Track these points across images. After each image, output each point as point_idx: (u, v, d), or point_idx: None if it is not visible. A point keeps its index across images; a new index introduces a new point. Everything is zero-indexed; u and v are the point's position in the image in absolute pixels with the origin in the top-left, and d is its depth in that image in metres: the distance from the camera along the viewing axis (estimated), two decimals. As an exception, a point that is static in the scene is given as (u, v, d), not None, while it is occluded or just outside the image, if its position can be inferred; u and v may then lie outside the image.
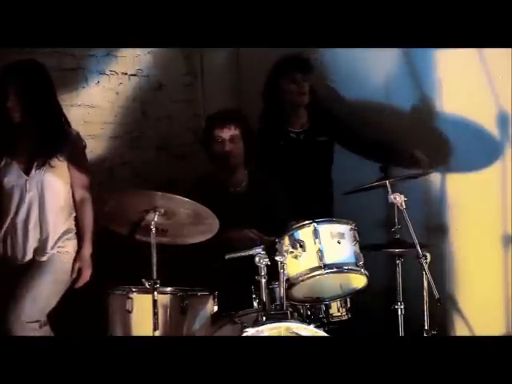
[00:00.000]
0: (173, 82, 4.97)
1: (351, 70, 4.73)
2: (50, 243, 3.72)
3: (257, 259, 3.38)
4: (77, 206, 3.82)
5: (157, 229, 3.42)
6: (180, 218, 3.49)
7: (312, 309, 3.71)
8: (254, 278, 3.42)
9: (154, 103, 4.85)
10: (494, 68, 4.27)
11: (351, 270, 3.56)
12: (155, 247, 3.40)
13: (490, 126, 4.34)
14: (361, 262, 3.56)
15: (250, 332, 3.26)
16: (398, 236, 3.94)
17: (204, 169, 4.31)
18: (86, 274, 3.77)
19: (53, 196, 3.72)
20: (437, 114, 4.51)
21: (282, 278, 3.38)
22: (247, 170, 4.19)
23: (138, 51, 4.75)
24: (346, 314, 3.75)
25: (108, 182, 4.59)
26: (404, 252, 3.89)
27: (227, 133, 4.08)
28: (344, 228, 3.59)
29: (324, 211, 4.25)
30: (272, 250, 3.44)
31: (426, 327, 3.77)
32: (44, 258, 3.70)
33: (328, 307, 3.73)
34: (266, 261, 3.38)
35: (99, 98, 4.58)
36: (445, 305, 4.35)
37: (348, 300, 3.76)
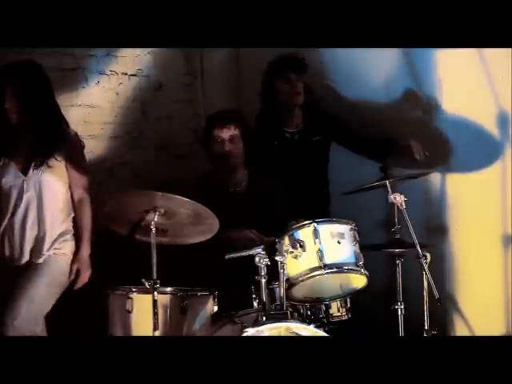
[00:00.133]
0: (173, 82, 4.97)
1: (351, 70, 4.74)
2: (47, 244, 3.70)
3: (257, 259, 3.38)
4: (75, 206, 3.80)
5: (157, 229, 3.42)
6: (180, 217, 3.49)
7: (312, 309, 3.71)
8: (254, 278, 3.42)
9: (154, 103, 4.85)
10: (494, 68, 4.27)
11: (351, 270, 3.56)
12: (155, 247, 3.40)
13: (490, 126, 4.34)
14: (361, 262, 3.56)
15: (250, 332, 3.26)
16: (398, 236, 3.94)
17: (204, 169, 4.31)
18: (85, 276, 3.76)
19: (50, 196, 3.71)
20: (437, 114, 4.51)
21: (282, 278, 3.38)
22: (247, 170, 4.19)
23: (138, 51, 4.75)
24: (346, 314, 3.75)
25: (108, 182, 4.59)
26: (404, 252, 3.89)
27: (227, 133, 4.09)
28: (344, 228, 3.59)
29: (320, 211, 4.23)
30: (272, 250, 3.44)
31: (426, 327, 3.78)
32: (40, 260, 3.68)
33: (328, 307, 3.73)
34: (266, 261, 3.38)
35: (99, 98, 4.58)
36: (445, 305, 4.35)
37: (348, 300, 3.75)
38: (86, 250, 3.77)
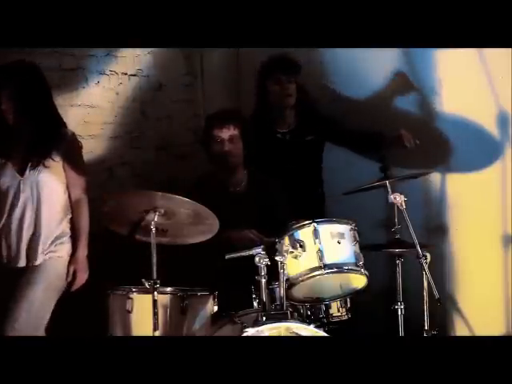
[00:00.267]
0: (173, 82, 4.97)
1: (351, 70, 4.74)
2: (44, 245, 3.67)
3: (257, 259, 3.38)
4: (73, 206, 3.78)
5: (157, 229, 3.41)
6: (180, 217, 3.49)
7: (312, 309, 3.71)
8: (254, 277, 3.42)
9: (154, 103, 4.85)
10: (494, 68, 4.28)
11: (351, 270, 3.56)
12: (155, 247, 3.39)
13: (490, 126, 4.35)
14: (361, 262, 3.56)
15: (250, 332, 3.26)
16: (398, 236, 3.95)
17: (204, 169, 4.31)
18: (82, 277, 3.74)
19: (47, 197, 3.69)
20: (437, 114, 4.52)
21: (282, 278, 3.38)
22: (247, 170, 4.19)
23: (138, 51, 4.75)
24: (346, 314, 3.75)
25: (108, 182, 4.59)
26: (404, 252, 3.89)
27: (226, 133, 4.09)
28: (344, 228, 3.60)
29: (313, 211, 4.22)
30: (272, 250, 3.44)
31: (426, 327, 3.77)
32: (37, 262, 3.65)
33: (328, 307, 3.73)
34: (266, 261, 3.39)
35: (99, 98, 4.58)
36: (445, 305, 4.35)
37: (348, 300, 3.75)
38: (83, 251, 3.75)
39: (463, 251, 4.49)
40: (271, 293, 3.57)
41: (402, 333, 3.85)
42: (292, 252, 3.47)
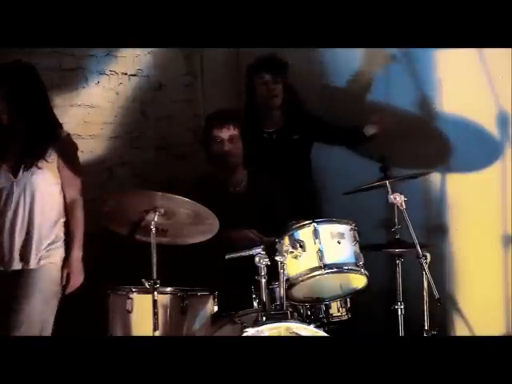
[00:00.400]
0: (173, 82, 4.97)
1: (351, 71, 4.74)
2: (38, 248, 3.62)
3: (257, 259, 3.38)
4: (67, 208, 3.74)
5: (157, 229, 3.41)
6: (180, 217, 3.49)
7: (312, 309, 3.71)
8: (254, 277, 3.42)
9: (154, 103, 4.85)
10: (494, 68, 4.28)
11: (351, 270, 3.56)
12: (155, 247, 3.39)
13: (490, 126, 4.35)
14: (361, 262, 3.56)
15: (250, 332, 3.27)
16: (398, 236, 3.95)
17: (204, 169, 4.31)
18: (77, 280, 3.69)
19: (40, 198, 3.64)
20: (437, 114, 4.52)
21: (282, 278, 3.38)
22: (246, 170, 4.19)
23: (138, 51, 4.74)
24: (346, 314, 3.75)
25: (108, 182, 4.59)
26: (404, 252, 3.90)
27: (226, 133, 4.09)
28: (344, 228, 3.60)
29: (303, 210, 4.22)
30: (272, 250, 3.44)
31: (426, 327, 3.77)
32: (32, 266, 3.60)
33: (328, 307, 3.73)
34: (266, 261, 3.39)
35: (99, 98, 4.58)
36: (445, 305, 4.36)
37: (348, 300, 3.75)
38: (77, 254, 3.71)
39: (463, 251, 4.49)
40: (271, 293, 3.57)
41: (402, 333, 3.85)
42: (292, 252, 3.47)
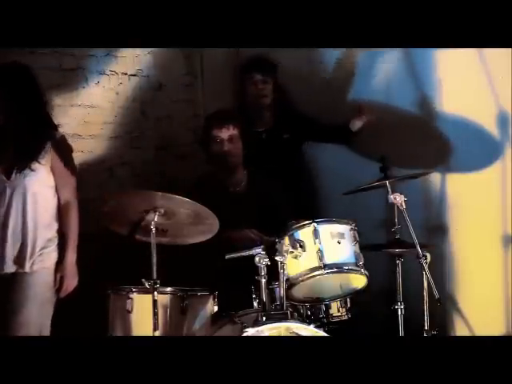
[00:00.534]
0: (173, 82, 4.96)
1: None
2: (31, 251, 3.58)
3: (257, 259, 3.38)
4: (61, 210, 3.69)
5: (157, 229, 3.41)
6: (180, 217, 3.49)
7: (312, 309, 3.71)
8: (254, 278, 3.42)
9: (154, 103, 4.85)
10: (494, 68, 4.28)
11: (351, 270, 3.56)
12: (155, 247, 3.39)
13: (490, 126, 4.35)
14: (361, 262, 3.56)
15: (250, 332, 3.27)
16: (398, 236, 3.95)
17: (204, 169, 4.31)
18: (70, 283, 3.65)
19: (33, 200, 3.60)
20: (437, 114, 4.52)
21: (282, 278, 3.38)
22: (246, 170, 4.19)
23: (138, 51, 4.74)
24: (346, 314, 3.75)
25: (108, 182, 4.58)
26: (404, 252, 3.90)
27: (226, 133, 4.09)
28: (344, 228, 3.60)
29: (300, 209, 4.22)
30: (272, 250, 3.44)
31: (426, 327, 3.78)
32: (26, 269, 3.56)
33: (328, 307, 3.73)
34: (266, 261, 3.39)
35: (99, 98, 4.57)
36: (445, 305, 4.35)
37: (348, 300, 3.75)
38: (71, 257, 3.66)
39: (463, 251, 4.49)
40: (271, 293, 3.57)
41: (402, 333, 3.85)
42: (292, 252, 3.47)
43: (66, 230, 3.67)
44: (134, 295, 3.53)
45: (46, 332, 3.60)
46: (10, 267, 3.58)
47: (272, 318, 3.35)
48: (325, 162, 4.82)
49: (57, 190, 3.68)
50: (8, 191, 3.59)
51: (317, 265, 3.49)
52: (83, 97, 4.49)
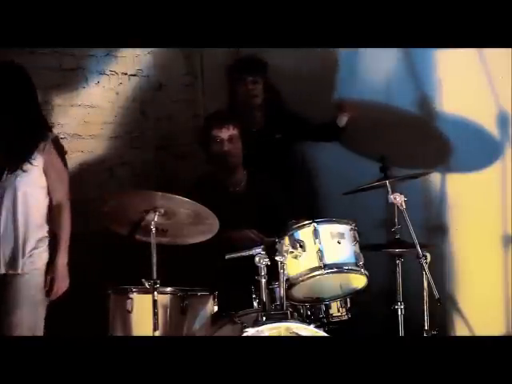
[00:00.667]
0: (173, 82, 4.97)
1: (351, 70, 4.74)
2: (22, 252, 3.55)
3: (257, 259, 3.38)
4: (53, 211, 3.65)
5: (157, 229, 3.41)
6: (180, 217, 3.49)
7: (312, 309, 3.71)
8: (254, 278, 3.42)
9: (154, 103, 4.85)
10: (494, 68, 4.28)
11: (351, 270, 3.56)
12: (155, 247, 3.39)
13: (490, 126, 4.35)
14: (361, 262, 3.56)
15: (250, 332, 3.27)
16: (398, 236, 3.95)
17: (204, 169, 4.31)
18: (61, 286, 3.61)
19: (24, 201, 3.56)
20: (437, 114, 4.52)
21: (282, 278, 3.38)
22: (246, 170, 4.19)
23: (138, 51, 4.75)
24: (346, 314, 3.75)
25: (108, 182, 4.59)
26: (404, 252, 3.89)
27: (226, 133, 4.09)
28: (344, 228, 3.60)
29: (296, 210, 4.22)
30: (272, 250, 3.44)
31: (426, 327, 3.77)
32: (18, 270, 3.54)
33: (328, 307, 3.72)
34: (266, 261, 3.38)
35: (99, 98, 4.58)
36: (445, 305, 4.35)
37: (348, 300, 3.75)
38: (62, 259, 3.62)
39: (463, 251, 4.49)
40: (271, 293, 3.57)
41: (402, 333, 3.85)
42: (292, 252, 3.47)
43: (58, 231, 3.63)
44: (134, 295, 3.53)
45: (39, 333, 3.58)
46: (1, 268, 3.56)
47: (272, 318, 3.35)
48: (325, 162, 4.82)
49: (49, 191, 3.65)
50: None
51: (317, 265, 3.49)
52: (83, 97, 4.49)
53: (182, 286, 3.60)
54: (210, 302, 3.64)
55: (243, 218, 3.96)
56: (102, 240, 3.98)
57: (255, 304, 3.62)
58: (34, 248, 3.59)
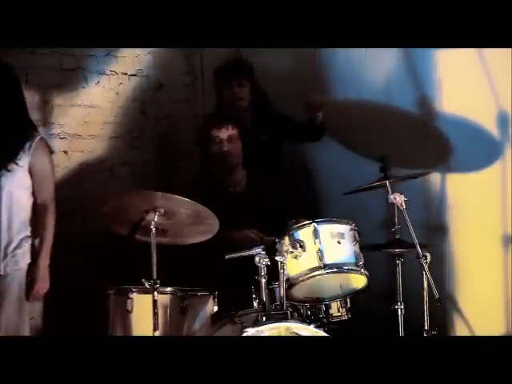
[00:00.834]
0: (173, 82, 4.97)
1: (351, 70, 4.74)
2: (2, 253, 3.52)
3: (257, 259, 3.38)
4: (37, 212, 3.62)
5: (157, 229, 3.41)
6: (180, 218, 3.49)
7: (312, 309, 3.71)
8: (254, 277, 3.42)
9: (154, 103, 4.85)
10: (494, 68, 4.28)
11: (351, 270, 3.56)
12: (155, 247, 3.39)
13: (490, 126, 4.35)
14: (361, 262, 3.56)
15: (250, 332, 3.27)
16: (398, 236, 3.94)
17: (203, 169, 4.31)
18: (41, 287, 3.57)
19: (8, 201, 3.53)
20: (437, 114, 4.52)
21: (282, 278, 3.38)
22: (246, 170, 4.19)
23: (138, 51, 4.75)
24: (346, 314, 3.75)
25: (108, 182, 4.59)
26: (404, 252, 3.89)
27: (225, 133, 4.09)
28: (344, 228, 3.60)
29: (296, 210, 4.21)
30: (272, 250, 3.44)
31: (426, 327, 3.77)
32: (1, 271, 3.51)
33: (328, 307, 3.73)
34: (266, 261, 3.39)
35: (99, 98, 4.58)
36: (445, 305, 4.35)
37: (348, 300, 3.75)
38: (44, 260, 3.58)
39: (463, 251, 4.49)
40: (271, 293, 3.57)
41: (402, 333, 3.85)
42: (292, 252, 3.47)
43: (41, 231, 3.60)
44: (134, 295, 3.52)
45: (25, 333, 3.56)
46: None
47: (272, 318, 3.35)
48: (325, 162, 4.82)
49: (34, 192, 3.61)
50: None
51: (317, 265, 3.49)
52: (83, 97, 4.49)
53: (182, 286, 3.60)
54: (210, 302, 3.64)
55: (243, 217, 3.96)
56: (101, 240, 3.98)
57: (255, 304, 3.62)
58: (17, 248, 3.56)
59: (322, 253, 3.49)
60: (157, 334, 3.37)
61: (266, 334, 3.28)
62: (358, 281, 3.63)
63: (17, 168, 3.55)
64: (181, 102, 5.03)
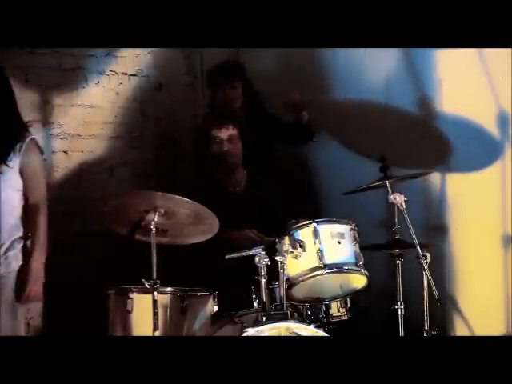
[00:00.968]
0: (173, 82, 4.97)
1: (351, 70, 4.74)
2: None
3: (257, 259, 3.38)
4: (29, 213, 3.58)
5: (157, 229, 3.41)
6: (180, 217, 3.49)
7: (312, 309, 3.71)
8: (254, 278, 3.42)
9: (154, 103, 4.86)
10: (494, 68, 4.28)
11: (351, 270, 3.56)
12: (155, 247, 3.39)
13: (490, 126, 4.35)
14: (361, 262, 3.56)
15: (250, 332, 3.27)
16: (398, 236, 3.94)
17: (203, 169, 4.31)
18: (34, 290, 3.53)
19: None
20: (437, 114, 4.52)
21: (282, 278, 3.38)
22: (246, 170, 4.19)
23: (138, 51, 4.75)
24: (346, 314, 3.75)
25: (108, 182, 4.59)
26: (404, 252, 3.89)
27: (225, 133, 4.09)
28: (344, 228, 3.60)
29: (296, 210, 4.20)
30: (272, 250, 3.44)
31: (426, 327, 3.77)
32: None
33: (328, 307, 3.73)
34: (266, 261, 3.38)
35: (99, 98, 4.58)
36: (445, 305, 4.36)
37: (348, 300, 3.75)
38: (37, 261, 3.53)
39: (463, 251, 4.49)
40: (271, 293, 3.57)
41: (402, 333, 3.85)
42: (292, 252, 3.47)
43: (34, 232, 3.57)
44: (134, 295, 3.52)
45: (20, 333, 3.54)
46: None
47: (272, 318, 3.35)
48: (325, 162, 4.82)
49: (25, 193, 3.58)
50: None
51: (317, 265, 3.49)
52: (83, 97, 4.49)
53: (182, 286, 3.60)
54: (210, 302, 3.64)
55: (243, 218, 3.96)
56: (101, 240, 3.98)
57: (255, 304, 3.62)
58: (9, 250, 3.53)
59: (321, 253, 3.49)
60: (157, 334, 3.37)
61: (266, 333, 3.28)
62: (358, 281, 3.63)
63: (7, 169, 3.52)
64: (181, 102, 5.03)
